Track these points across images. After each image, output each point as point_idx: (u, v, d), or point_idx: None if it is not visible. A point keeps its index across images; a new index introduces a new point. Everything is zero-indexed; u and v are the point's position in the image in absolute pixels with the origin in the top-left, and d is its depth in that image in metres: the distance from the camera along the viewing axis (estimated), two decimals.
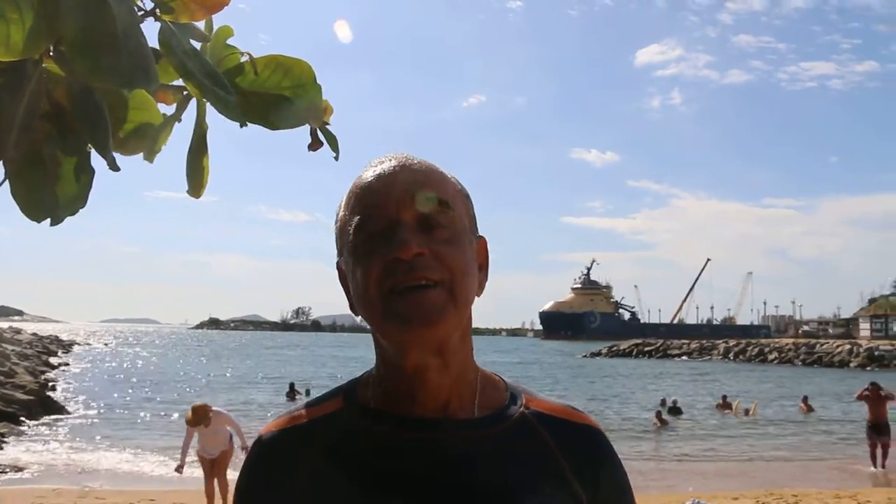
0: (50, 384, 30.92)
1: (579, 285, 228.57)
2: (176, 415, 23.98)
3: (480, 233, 1.31)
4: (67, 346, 75.99)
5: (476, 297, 1.25)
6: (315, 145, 1.68)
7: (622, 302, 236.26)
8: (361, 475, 1.18)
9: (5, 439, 17.77)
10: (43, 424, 21.52)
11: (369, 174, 1.24)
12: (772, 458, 19.42)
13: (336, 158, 1.71)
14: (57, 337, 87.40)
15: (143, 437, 20.68)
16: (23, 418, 20.95)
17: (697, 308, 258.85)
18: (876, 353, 78.21)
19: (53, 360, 49.66)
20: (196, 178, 1.76)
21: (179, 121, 1.72)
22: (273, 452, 1.26)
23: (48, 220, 1.89)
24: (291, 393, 31.38)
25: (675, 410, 27.32)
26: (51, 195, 1.85)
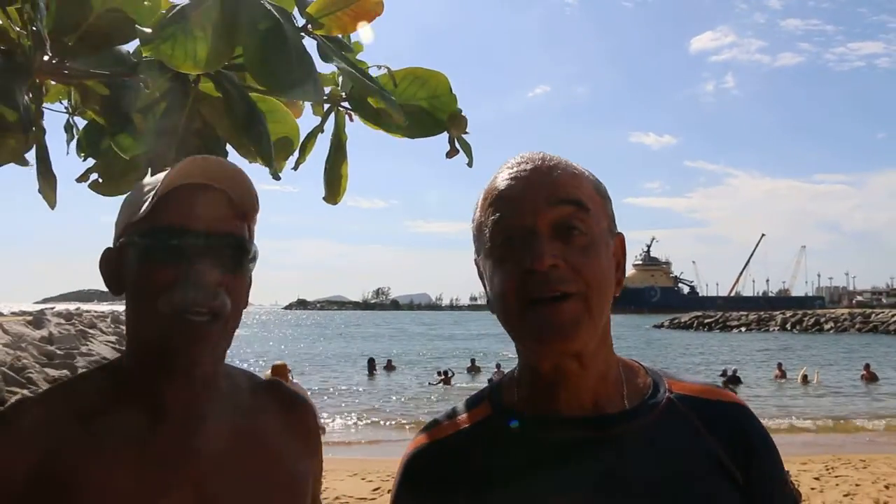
0: None
1: (640, 262, 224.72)
2: None
3: None
4: None
5: (614, 296, 1.16)
6: (452, 153, 1.63)
7: (681, 277, 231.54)
8: (522, 480, 1.12)
9: None
10: None
11: (504, 176, 1.16)
12: (837, 425, 18.78)
13: (469, 165, 1.66)
14: None
15: None
16: None
17: (754, 281, 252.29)
18: None
19: None
20: (335, 185, 1.73)
21: (322, 131, 1.69)
22: (431, 465, 1.20)
23: None
24: (371, 368, 31.24)
25: (735, 380, 26.65)
26: None
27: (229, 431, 1.18)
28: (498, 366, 27.47)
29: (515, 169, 1.16)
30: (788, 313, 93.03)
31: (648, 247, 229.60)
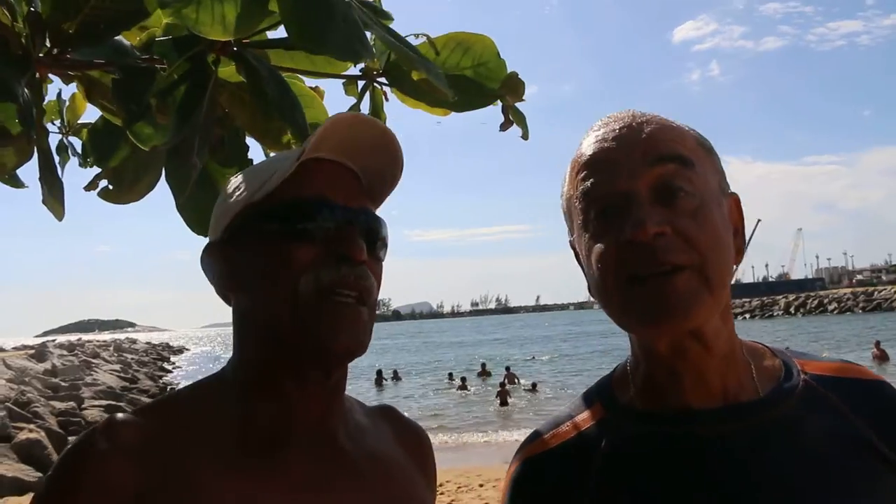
0: (168, 388, 31.68)
1: None
2: None
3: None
4: (177, 352, 77.95)
5: (735, 267, 1.00)
6: (507, 124, 1.45)
7: None
8: (652, 485, 0.95)
9: None
10: None
11: (591, 140, 1.00)
12: None
13: (525, 137, 1.49)
14: (168, 344, 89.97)
15: None
16: None
17: (753, 267, 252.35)
18: None
19: (167, 366, 51.03)
20: None
21: (358, 111, 1.52)
22: (541, 483, 1.04)
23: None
24: (379, 380, 31.04)
25: None
26: (211, 208, 1.69)
27: (360, 454, 1.02)
28: (507, 368, 27.36)
29: (603, 130, 1.01)
30: (791, 297, 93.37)
31: None
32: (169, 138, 1.23)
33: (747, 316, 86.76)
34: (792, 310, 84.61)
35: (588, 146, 1.01)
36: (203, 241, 1.10)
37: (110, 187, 1.72)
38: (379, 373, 31.83)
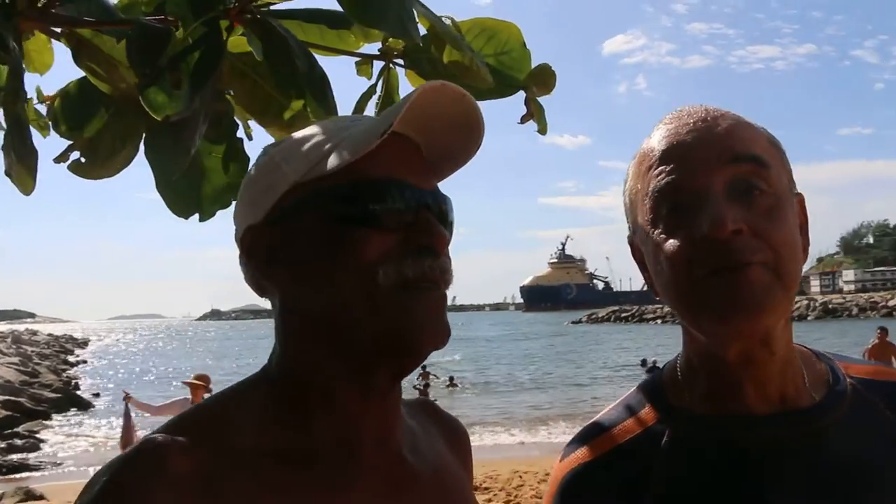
0: (73, 382, 30.40)
1: (556, 260, 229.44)
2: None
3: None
4: (82, 344, 75.03)
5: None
6: (527, 117, 1.39)
7: (596, 273, 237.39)
8: (720, 495, 0.94)
9: (41, 436, 17.35)
10: (73, 420, 21.05)
11: (663, 134, 0.98)
12: None
13: (542, 132, 1.43)
14: (71, 336, 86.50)
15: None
16: (54, 415, 20.52)
17: None
18: (830, 306, 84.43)
19: (71, 359, 49.01)
20: None
21: (375, 93, 1.43)
22: (593, 490, 1.01)
23: (196, 215, 1.62)
24: None
25: (654, 370, 27.36)
26: (195, 189, 1.57)
27: (419, 463, 0.93)
28: (423, 367, 27.45)
29: (675, 124, 0.98)
30: None
31: (563, 245, 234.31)
32: (183, 108, 1.12)
33: (659, 321, 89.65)
34: None
35: (660, 140, 0.98)
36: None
37: (82, 160, 1.57)
38: None
